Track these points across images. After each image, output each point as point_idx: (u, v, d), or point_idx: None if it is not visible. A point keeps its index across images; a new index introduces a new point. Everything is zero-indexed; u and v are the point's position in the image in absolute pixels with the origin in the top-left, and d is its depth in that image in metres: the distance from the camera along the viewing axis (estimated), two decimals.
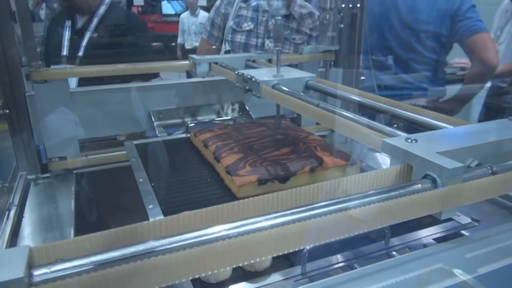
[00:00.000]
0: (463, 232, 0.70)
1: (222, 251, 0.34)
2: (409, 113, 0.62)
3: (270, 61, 1.14)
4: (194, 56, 1.13)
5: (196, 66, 1.11)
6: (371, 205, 0.39)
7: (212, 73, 1.13)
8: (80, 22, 1.56)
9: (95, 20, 1.54)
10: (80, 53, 1.53)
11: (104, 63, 1.06)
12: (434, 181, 0.41)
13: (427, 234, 0.69)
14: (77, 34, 1.53)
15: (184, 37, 4.02)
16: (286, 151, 0.87)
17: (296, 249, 0.37)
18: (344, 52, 1.35)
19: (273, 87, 0.83)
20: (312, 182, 0.84)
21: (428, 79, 1.75)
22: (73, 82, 1.46)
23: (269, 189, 0.77)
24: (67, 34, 1.50)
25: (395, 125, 1.30)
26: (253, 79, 0.86)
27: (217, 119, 1.27)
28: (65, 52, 1.50)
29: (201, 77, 1.15)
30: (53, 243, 0.31)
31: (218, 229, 0.35)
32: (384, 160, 1.14)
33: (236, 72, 0.94)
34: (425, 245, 0.66)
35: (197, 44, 3.34)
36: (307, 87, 0.86)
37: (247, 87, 0.87)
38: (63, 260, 0.29)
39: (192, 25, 4.04)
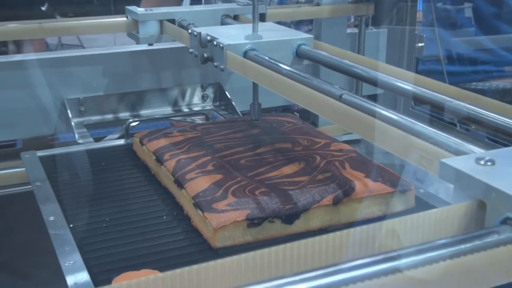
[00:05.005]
0: None
1: None
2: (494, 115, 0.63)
3: (263, 18, 1.16)
4: (135, 8, 1.14)
5: (138, 26, 1.12)
6: (435, 265, 0.41)
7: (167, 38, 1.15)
8: None
9: None
10: None
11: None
12: None
13: None
14: None
15: None
16: (293, 170, 0.89)
17: None
18: (389, 2, 1.38)
19: (246, 54, 0.86)
20: (336, 222, 0.87)
21: None
22: None
23: (266, 233, 0.78)
24: None
25: (473, 127, 1.32)
26: (215, 42, 0.88)
27: (177, 113, 1.28)
28: None
29: (146, 43, 1.16)
30: None
31: None
32: None
33: (189, 32, 0.96)
34: None
35: None
36: (299, 55, 0.89)
37: (205, 55, 0.90)
38: None
39: None
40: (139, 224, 0.83)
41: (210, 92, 1.31)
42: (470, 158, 0.48)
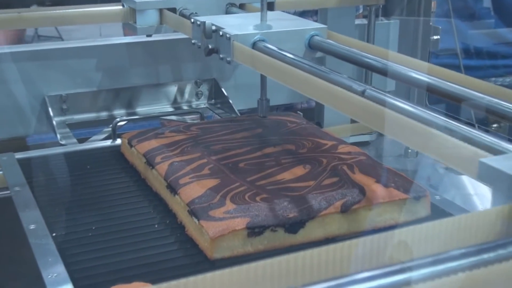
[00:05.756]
0: None
1: None
2: None
3: (272, 7, 1.17)
4: None
5: (135, 15, 1.13)
6: (453, 276, 0.41)
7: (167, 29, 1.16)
8: None
9: None
10: None
11: None
12: None
13: None
14: None
15: None
16: (298, 175, 0.89)
17: None
18: None
19: (254, 45, 0.87)
20: (344, 232, 0.88)
21: None
22: None
23: (268, 243, 0.79)
24: None
25: (495, 125, 1.33)
26: (220, 33, 0.90)
27: (169, 112, 1.28)
28: None
29: (145, 34, 1.17)
30: None
31: None
32: (477, 189, 1.18)
33: (192, 21, 0.97)
34: None
35: None
36: (312, 47, 0.91)
37: (210, 46, 0.92)
38: None
39: None
40: (128, 233, 0.83)
41: (204, 89, 1.31)
42: (509, 157, 0.49)
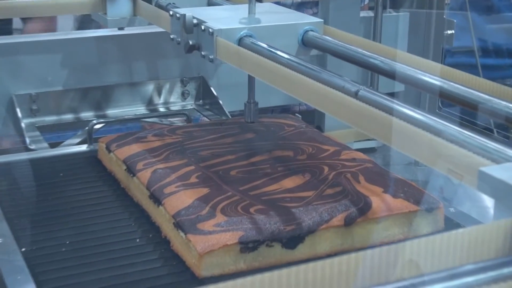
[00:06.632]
0: None
1: None
2: None
3: None
4: None
5: (106, 6, 1.14)
6: None
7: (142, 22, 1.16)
8: None
9: None
10: None
11: None
12: None
13: None
14: None
15: None
16: (296, 184, 0.90)
17: None
18: None
19: (240, 42, 0.87)
20: (348, 247, 0.87)
21: None
22: None
23: (263, 260, 0.79)
24: None
25: None
26: (202, 27, 0.90)
27: (151, 113, 1.29)
28: None
29: (116, 27, 1.17)
30: None
31: None
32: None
33: (170, 13, 0.97)
34: None
35: None
36: (306, 44, 0.91)
37: (191, 42, 0.92)
38: None
39: None
40: (106, 249, 0.83)
41: (192, 88, 1.31)
42: None
